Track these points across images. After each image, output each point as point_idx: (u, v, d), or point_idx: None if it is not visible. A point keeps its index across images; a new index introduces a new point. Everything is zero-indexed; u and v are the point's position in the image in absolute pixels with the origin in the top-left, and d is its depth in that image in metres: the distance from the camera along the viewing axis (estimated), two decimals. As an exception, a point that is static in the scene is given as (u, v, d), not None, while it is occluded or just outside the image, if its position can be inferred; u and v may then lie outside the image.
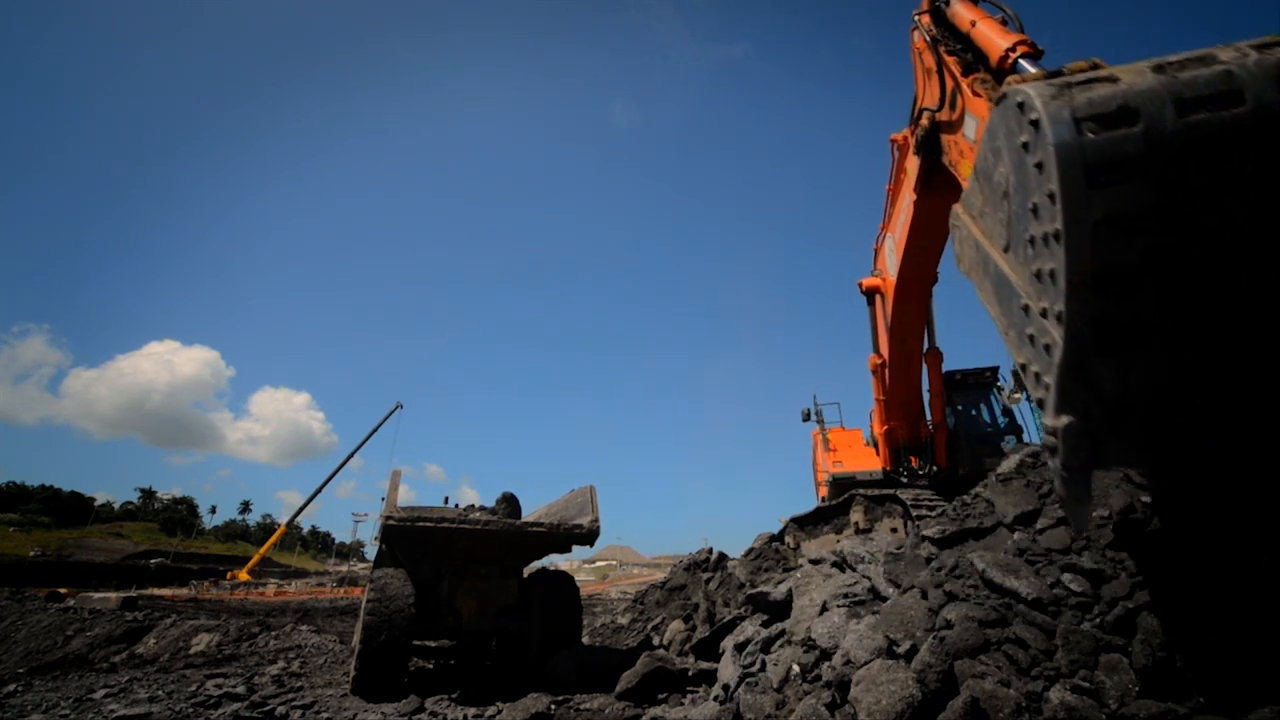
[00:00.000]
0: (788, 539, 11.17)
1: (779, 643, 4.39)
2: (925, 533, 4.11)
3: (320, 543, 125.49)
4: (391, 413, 63.44)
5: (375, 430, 62.32)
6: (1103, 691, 2.37)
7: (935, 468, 9.72)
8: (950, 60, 4.52)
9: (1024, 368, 2.18)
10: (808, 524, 11.07)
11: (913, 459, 10.02)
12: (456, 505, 9.10)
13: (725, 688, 4.42)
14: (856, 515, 9.85)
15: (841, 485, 11.24)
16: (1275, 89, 1.68)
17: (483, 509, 8.84)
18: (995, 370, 11.60)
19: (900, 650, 3.07)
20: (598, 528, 7.26)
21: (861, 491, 10.05)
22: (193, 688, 6.62)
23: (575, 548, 7.61)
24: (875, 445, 11.12)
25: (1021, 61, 3.74)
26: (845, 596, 4.23)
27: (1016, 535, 3.41)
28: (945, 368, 9.70)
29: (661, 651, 6.63)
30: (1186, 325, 1.87)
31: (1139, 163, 1.73)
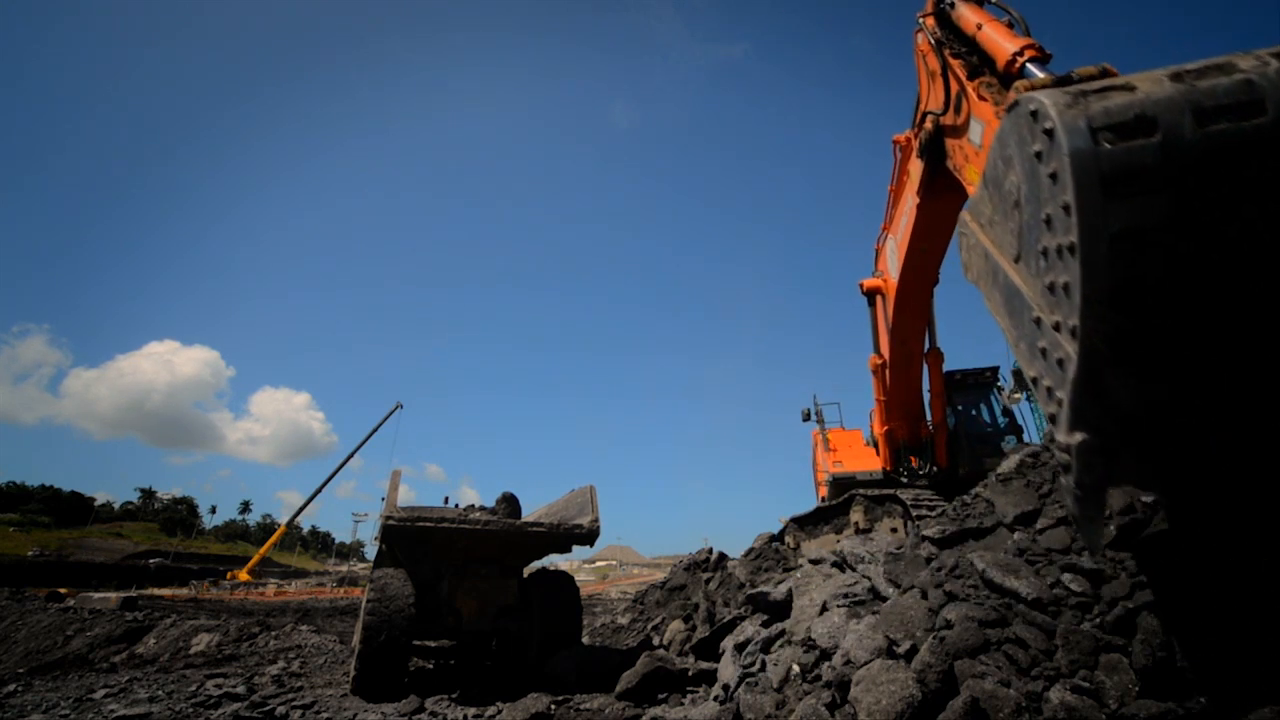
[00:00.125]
0: (788, 539, 11.17)
1: (779, 643, 4.39)
2: (925, 533, 4.11)
3: (320, 543, 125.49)
4: (391, 413, 63.46)
5: (375, 430, 62.35)
6: (1103, 691, 2.37)
7: (935, 468, 9.72)
8: (955, 63, 4.47)
9: (1035, 381, 2.13)
10: (808, 524, 11.06)
11: (913, 459, 10.02)
12: (456, 505, 9.10)
13: (725, 688, 4.42)
14: (856, 515, 9.85)
15: (841, 485, 11.24)
16: None
17: (483, 509, 8.84)
18: (995, 370, 11.61)
19: (900, 650, 3.07)
20: (598, 528, 7.26)
21: (861, 491, 10.04)
22: (193, 688, 6.62)
23: (575, 548, 7.61)
24: (875, 445, 11.12)
25: (1029, 66, 3.68)
26: (845, 596, 4.23)
27: (1016, 535, 3.41)
28: (945, 368, 9.70)
29: (661, 651, 6.63)
30: (1204, 339, 1.84)
31: (1157, 174, 1.68)
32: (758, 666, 4.17)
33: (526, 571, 8.17)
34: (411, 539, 6.88)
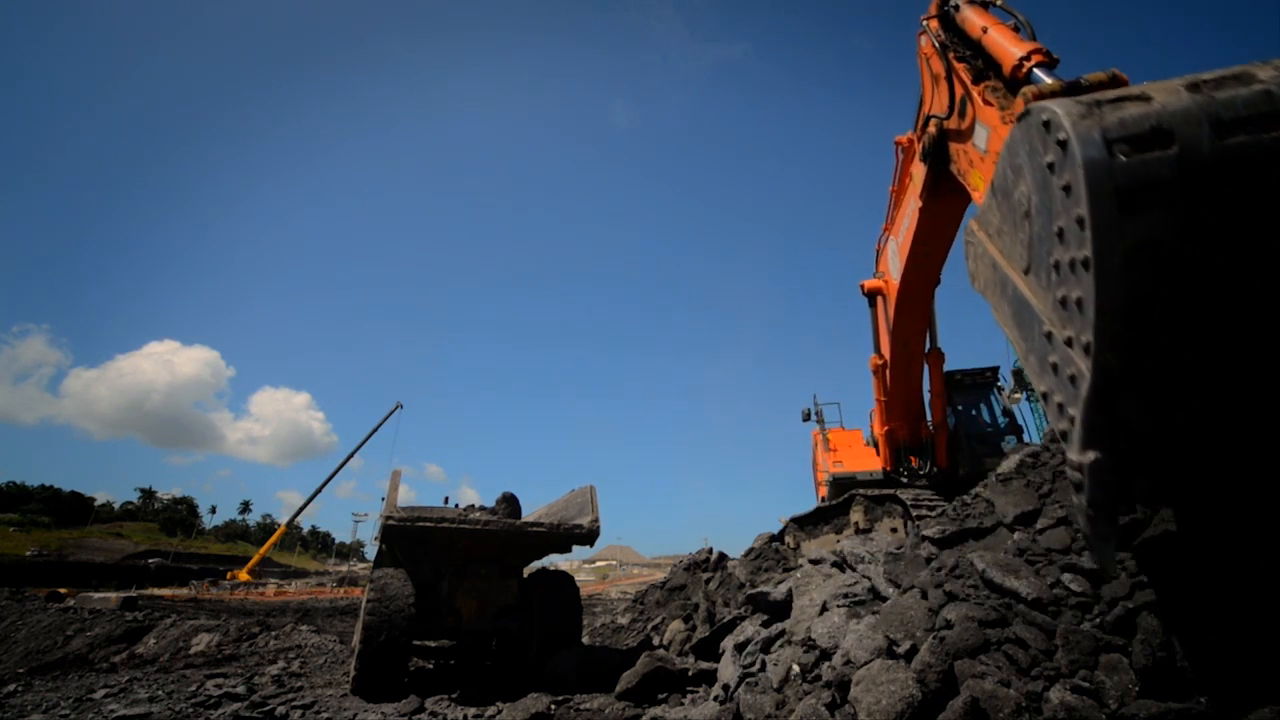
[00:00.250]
0: (788, 539, 11.17)
1: (779, 643, 4.39)
2: (925, 533, 4.11)
3: (320, 543, 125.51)
4: (391, 413, 63.48)
5: (375, 430, 62.37)
6: (1103, 691, 2.37)
7: (935, 468, 9.72)
8: (960, 67, 4.42)
9: (1045, 396, 2.09)
10: (808, 524, 11.07)
11: (913, 459, 10.02)
12: (456, 505, 9.10)
13: (725, 688, 4.42)
14: (856, 515, 9.85)
15: (841, 485, 11.25)
16: None
17: (483, 509, 8.84)
18: (995, 370, 11.61)
19: (900, 650, 3.07)
20: (598, 528, 7.26)
21: (861, 491, 10.05)
22: (193, 688, 6.62)
23: (575, 548, 7.61)
24: (875, 445, 11.13)
25: (1037, 71, 3.63)
26: (845, 596, 4.23)
27: (1016, 535, 3.41)
28: (945, 368, 9.70)
29: (661, 651, 6.63)
30: (1220, 356, 1.80)
31: (1173, 187, 1.63)
32: (758, 666, 4.17)
33: (526, 571, 8.17)
34: (411, 539, 6.88)
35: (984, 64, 4.30)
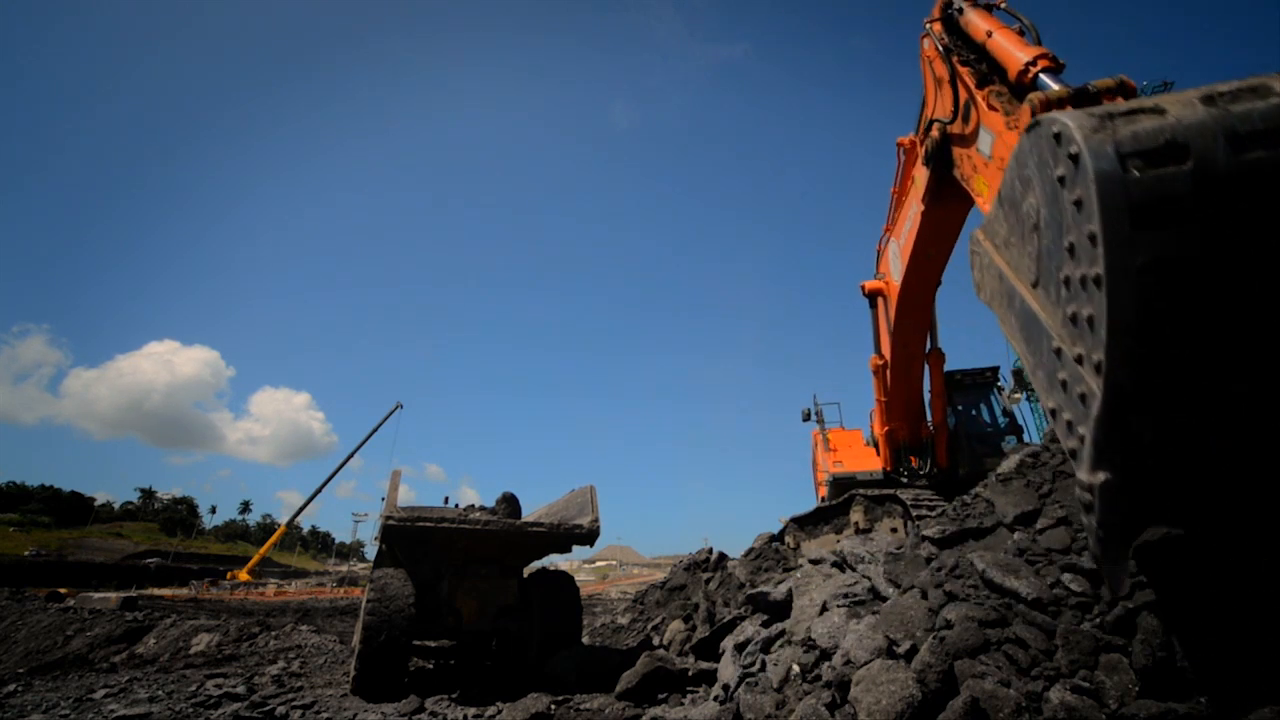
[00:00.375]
0: (788, 539, 11.17)
1: (779, 643, 4.39)
2: (925, 533, 4.11)
3: (320, 543, 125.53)
4: (391, 413, 63.52)
5: (375, 430, 62.42)
6: (1103, 691, 2.37)
7: (936, 468, 9.72)
8: (964, 71, 4.37)
9: (1054, 413, 2.06)
10: (808, 524, 11.07)
11: (913, 459, 10.02)
12: (456, 505, 9.11)
13: (725, 688, 4.41)
14: (856, 515, 9.85)
15: (841, 485, 11.25)
16: None
17: (483, 509, 8.84)
18: (995, 370, 11.60)
19: (900, 650, 3.07)
20: (598, 528, 7.26)
21: (861, 491, 10.05)
22: (193, 688, 6.62)
23: (575, 548, 7.61)
24: (876, 445, 11.12)
25: (1043, 77, 3.58)
26: (845, 596, 4.23)
27: (1016, 535, 3.41)
28: (946, 368, 9.70)
29: (661, 651, 6.63)
30: (1236, 376, 1.75)
31: (1188, 203, 1.59)
32: (758, 666, 4.16)
33: (526, 571, 8.17)
34: (411, 539, 6.88)
35: (988, 68, 4.26)
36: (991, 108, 4.00)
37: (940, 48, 4.67)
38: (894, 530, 9.17)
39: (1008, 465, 4.20)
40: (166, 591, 34.07)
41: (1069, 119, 1.74)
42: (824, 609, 4.25)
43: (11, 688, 7.21)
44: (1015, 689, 2.48)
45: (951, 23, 4.78)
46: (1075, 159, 1.69)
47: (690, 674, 5.64)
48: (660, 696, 5.40)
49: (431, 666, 8.84)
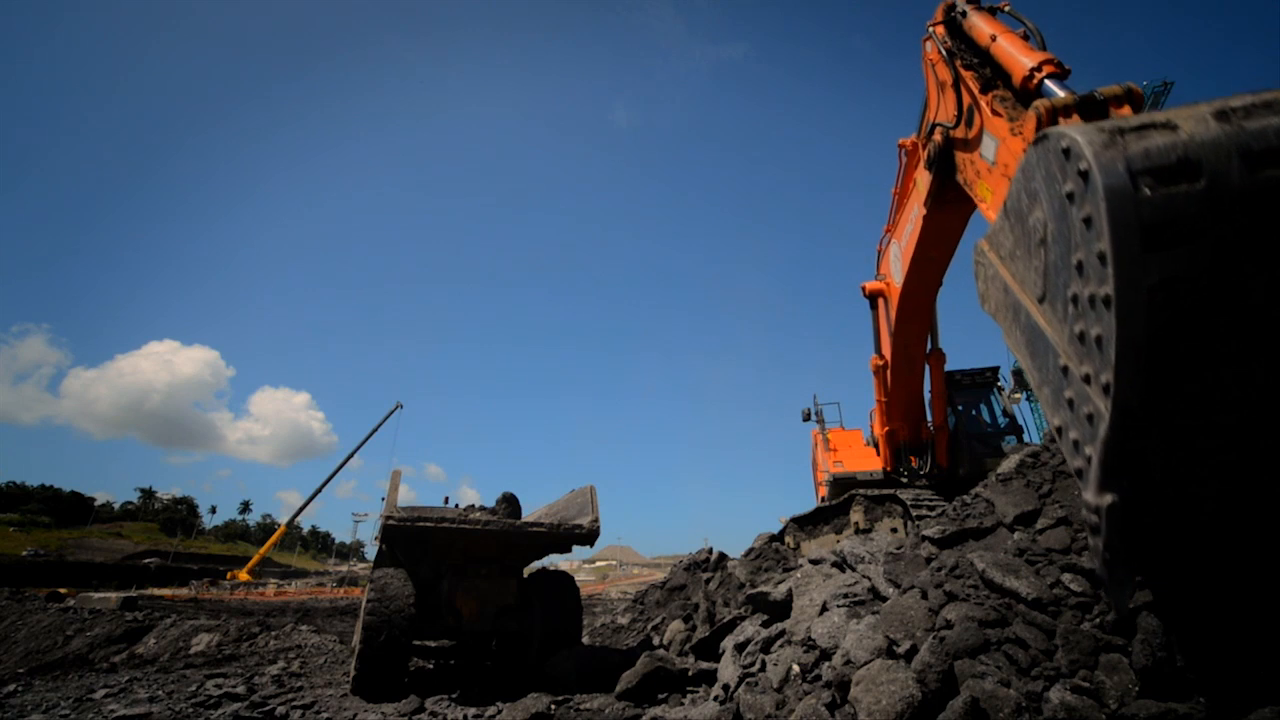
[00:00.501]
0: (788, 539, 11.18)
1: (779, 643, 4.39)
2: (925, 533, 4.11)
3: (320, 543, 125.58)
4: (391, 413, 63.63)
5: (375, 430, 62.57)
6: (1103, 691, 2.37)
7: (936, 468, 9.72)
8: (968, 75, 4.34)
9: (1060, 431, 2.03)
10: (808, 524, 11.08)
11: (913, 459, 10.02)
12: (456, 505, 9.11)
13: (725, 688, 4.41)
14: (856, 515, 9.86)
15: (841, 485, 11.26)
16: None
17: (483, 509, 8.84)
18: (995, 370, 11.61)
19: (900, 650, 3.07)
20: (598, 528, 7.26)
21: (861, 491, 10.06)
22: (193, 688, 6.62)
23: (575, 548, 7.61)
24: (876, 445, 11.13)
25: (1048, 83, 3.55)
26: (845, 596, 4.22)
27: (1016, 535, 3.41)
28: (945, 368, 9.70)
29: (661, 651, 6.63)
30: (1246, 400, 1.73)
31: (1201, 223, 1.55)
32: (758, 666, 4.16)
33: (527, 571, 8.17)
34: (411, 539, 6.88)
35: (992, 72, 4.22)
36: (995, 113, 3.95)
37: (943, 51, 4.62)
38: (894, 530, 9.18)
39: (1008, 465, 4.19)
40: (166, 591, 34.06)
41: (1078, 134, 1.70)
42: (824, 609, 4.25)
43: (11, 688, 7.21)
44: (1015, 689, 2.48)
45: (954, 26, 4.73)
46: (1085, 176, 1.66)
47: (690, 674, 5.64)
48: (660, 696, 5.40)
49: (431, 666, 8.84)
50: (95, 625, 10.99)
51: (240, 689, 6.45)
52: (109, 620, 11.29)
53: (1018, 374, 15.13)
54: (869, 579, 4.38)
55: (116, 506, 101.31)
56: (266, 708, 5.65)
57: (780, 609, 5.11)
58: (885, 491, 9.71)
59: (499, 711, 5.50)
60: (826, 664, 3.52)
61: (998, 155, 3.98)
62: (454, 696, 6.09)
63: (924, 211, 5.99)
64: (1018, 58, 3.87)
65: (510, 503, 8.75)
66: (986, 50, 4.27)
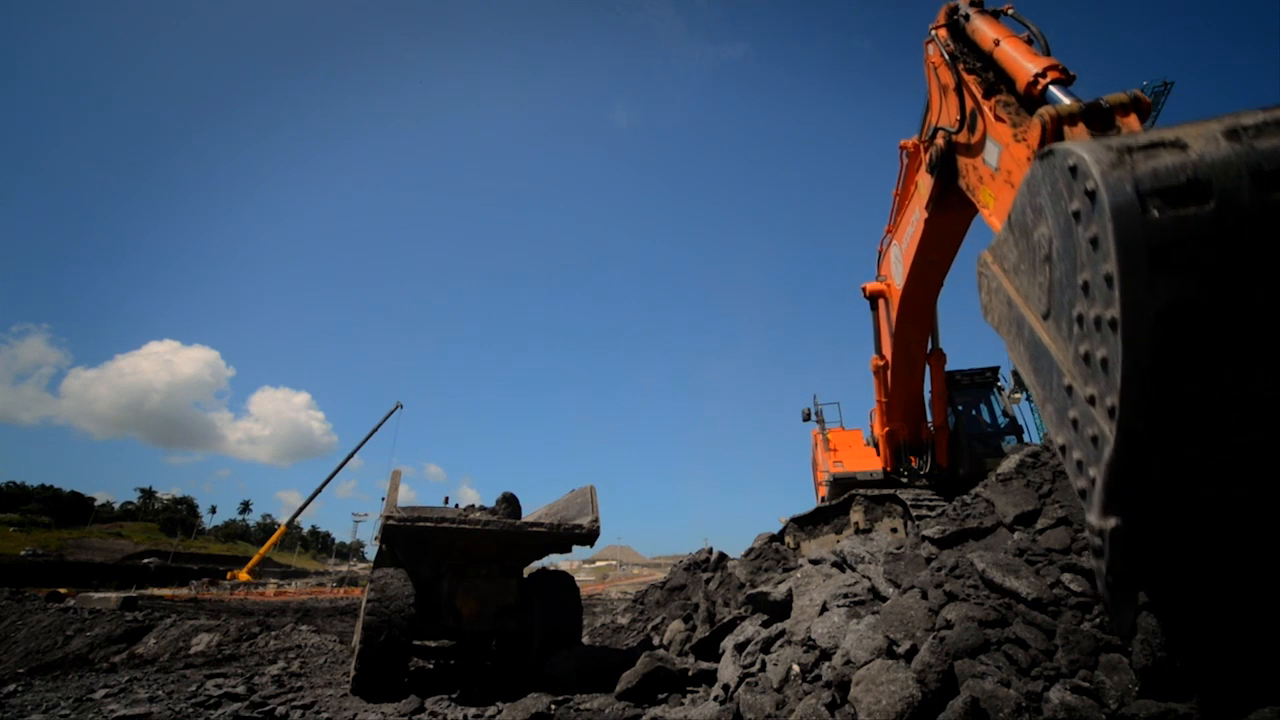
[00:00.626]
0: (788, 539, 11.19)
1: (779, 643, 4.39)
2: (925, 533, 4.11)
3: (320, 543, 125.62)
4: (391, 413, 63.66)
5: (375, 430, 62.60)
6: (1103, 691, 2.37)
7: (936, 468, 9.72)
8: (971, 80, 4.30)
9: (1064, 449, 2.01)
10: (808, 524, 11.08)
11: (913, 459, 10.02)
12: (456, 505, 9.11)
13: (725, 688, 4.42)
14: (856, 515, 9.86)
15: (842, 485, 11.26)
16: None
17: (483, 509, 8.84)
18: (995, 370, 11.61)
19: (900, 650, 3.07)
20: (598, 528, 7.26)
21: (861, 491, 10.06)
22: (193, 688, 6.62)
23: (575, 548, 7.61)
24: (876, 445, 11.13)
25: (1053, 89, 3.52)
26: (845, 596, 4.22)
27: (1016, 535, 3.41)
28: (945, 368, 9.69)
29: (661, 651, 6.63)
30: (1254, 425, 1.70)
31: (1210, 246, 1.52)
32: (758, 666, 4.16)
33: (526, 571, 8.17)
34: (411, 539, 6.88)
35: (995, 77, 4.17)
36: (999, 119, 3.91)
37: (946, 55, 4.57)
38: (894, 530, 9.18)
39: (1008, 465, 4.19)
40: (166, 591, 34.07)
41: (1086, 152, 1.67)
42: (824, 609, 4.25)
43: (11, 688, 7.21)
44: (1015, 689, 2.48)
45: (957, 29, 4.68)
46: (1092, 196, 1.63)
47: (690, 674, 5.64)
48: (660, 696, 5.40)
49: (431, 666, 8.84)
50: (95, 625, 10.99)
51: (240, 689, 6.45)
52: (109, 620, 11.29)
53: (1017, 374, 15.11)
54: (869, 579, 4.38)
55: (116, 506, 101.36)
56: (266, 708, 5.65)
57: (780, 609, 5.11)
58: (885, 491, 9.71)
59: (499, 711, 5.50)
60: (826, 664, 3.52)
61: (1001, 162, 3.92)
62: (454, 696, 6.09)
63: (925, 215, 5.95)
64: (1022, 63, 3.82)
65: (510, 503, 8.75)
66: (990, 55, 4.22)
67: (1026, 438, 10.74)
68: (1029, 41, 4.02)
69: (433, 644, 8.60)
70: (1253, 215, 1.50)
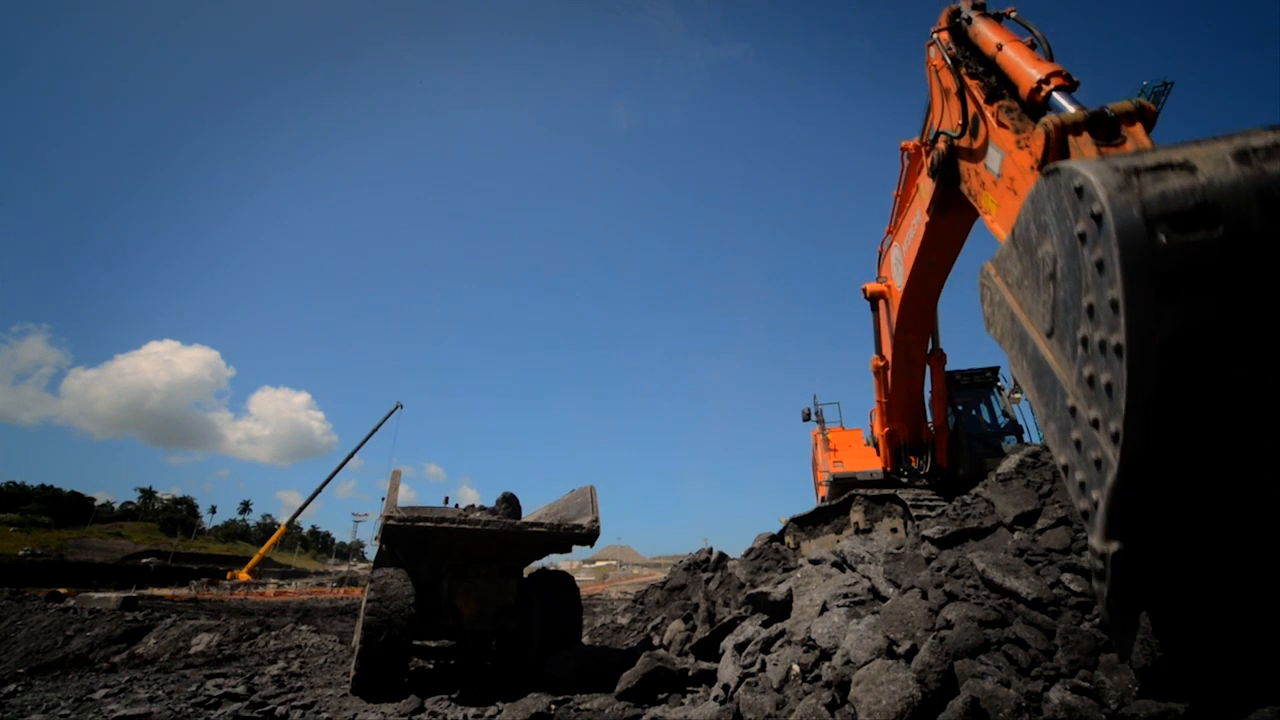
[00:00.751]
0: (788, 539, 11.19)
1: (779, 643, 4.39)
2: (925, 533, 4.11)
3: (320, 543, 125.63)
4: (391, 413, 63.65)
5: (375, 430, 62.61)
6: (1103, 691, 2.37)
7: (936, 468, 9.72)
8: (973, 84, 4.25)
9: (1066, 470, 1.99)
10: (808, 524, 11.08)
11: (913, 459, 10.02)
12: (456, 505, 9.11)
13: (725, 688, 4.42)
14: (856, 515, 9.86)
15: (841, 485, 11.27)
16: None
17: (483, 509, 8.84)
18: (995, 370, 11.61)
19: (900, 650, 3.07)
20: (598, 528, 7.26)
21: (861, 491, 10.06)
22: (193, 688, 6.62)
23: (575, 548, 7.61)
24: (876, 445, 11.13)
25: (1057, 96, 3.47)
26: (845, 596, 4.22)
27: (1016, 535, 3.41)
28: (945, 368, 9.69)
29: (661, 651, 6.63)
30: (1260, 453, 1.68)
31: (1218, 273, 1.49)
32: (758, 666, 4.17)
33: (527, 571, 8.17)
34: (411, 539, 6.88)
35: (998, 81, 4.12)
36: (1001, 124, 3.86)
37: (947, 58, 4.51)
38: (894, 530, 9.18)
39: (1008, 465, 4.19)
40: (166, 591, 34.06)
41: (1092, 174, 1.63)
42: (824, 609, 4.25)
43: (11, 688, 7.21)
44: (1015, 689, 2.48)
45: (959, 32, 4.63)
46: (1099, 219, 1.60)
47: (690, 674, 5.64)
48: (660, 696, 5.40)
49: (431, 666, 8.84)
50: (95, 625, 10.99)
51: (240, 689, 6.45)
52: (109, 620, 11.29)
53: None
54: (869, 579, 4.39)
55: (116, 506, 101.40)
56: (266, 708, 5.65)
57: (780, 609, 5.11)
58: (885, 491, 9.71)
59: (499, 711, 5.50)
60: (826, 664, 3.52)
61: (1003, 168, 3.88)
62: (454, 696, 6.09)
63: (926, 218, 5.91)
64: (1025, 68, 3.78)
65: (510, 503, 8.75)
66: (992, 59, 4.17)
67: (1026, 438, 10.74)
68: (1032, 46, 3.97)
69: (433, 644, 8.60)
70: (1262, 242, 1.47)
